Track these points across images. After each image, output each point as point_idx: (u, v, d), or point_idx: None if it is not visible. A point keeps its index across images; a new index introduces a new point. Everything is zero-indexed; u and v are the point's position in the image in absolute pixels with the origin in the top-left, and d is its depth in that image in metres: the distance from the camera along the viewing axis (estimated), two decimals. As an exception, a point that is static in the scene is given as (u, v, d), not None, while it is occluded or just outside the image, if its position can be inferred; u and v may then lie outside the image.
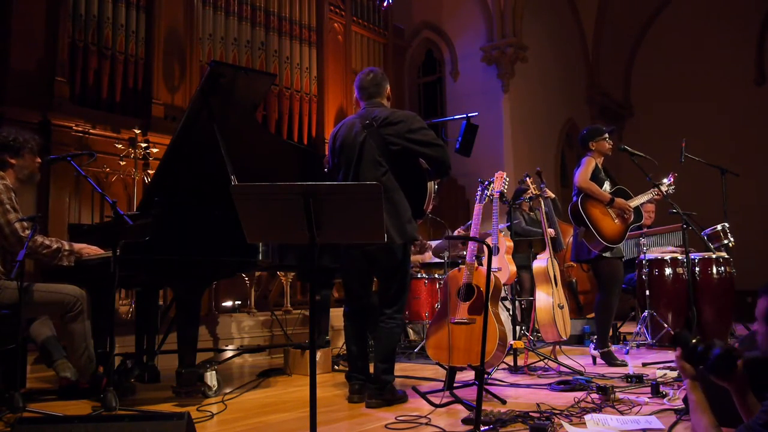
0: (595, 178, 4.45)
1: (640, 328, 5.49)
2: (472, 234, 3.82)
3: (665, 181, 4.63)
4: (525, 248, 5.78)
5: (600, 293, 4.52)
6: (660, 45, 12.45)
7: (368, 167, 3.21)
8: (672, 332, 5.23)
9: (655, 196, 4.61)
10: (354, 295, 3.40)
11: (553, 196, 5.18)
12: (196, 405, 3.16)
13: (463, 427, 2.63)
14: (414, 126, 3.20)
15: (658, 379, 3.44)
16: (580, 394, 3.14)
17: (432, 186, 3.38)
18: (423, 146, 3.18)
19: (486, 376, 3.60)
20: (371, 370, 3.31)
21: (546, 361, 4.29)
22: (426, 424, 2.70)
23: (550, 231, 4.83)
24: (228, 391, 3.62)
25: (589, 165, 4.46)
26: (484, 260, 3.07)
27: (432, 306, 5.23)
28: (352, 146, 3.27)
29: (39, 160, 3.48)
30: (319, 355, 4.28)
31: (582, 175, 4.42)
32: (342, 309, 3.46)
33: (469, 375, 3.85)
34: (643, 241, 5.57)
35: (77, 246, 3.36)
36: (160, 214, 3.30)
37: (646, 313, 5.42)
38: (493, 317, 3.42)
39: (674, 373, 3.63)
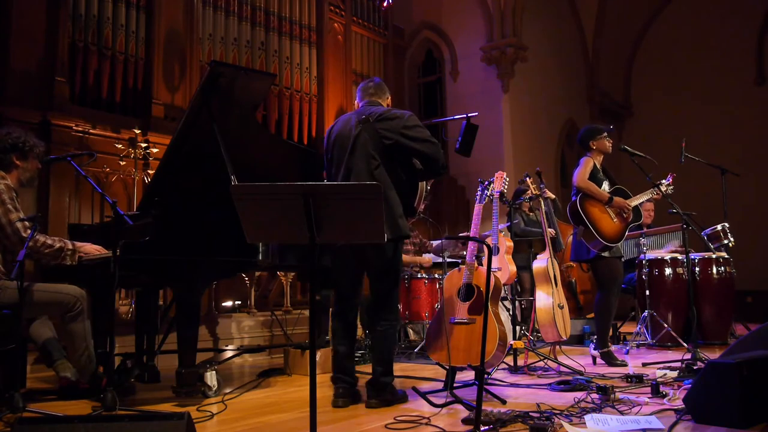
0: (594, 177, 4.45)
1: (640, 328, 5.50)
2: (472, 234, 3.82)
3: (664, 181, 4.63)
4: (525, 248, 5.78)
5: (599, 293, 4.52)
6: (660, 45, 12.44)
7: (361, 160, 3.20)
8: (672, 332, 5.23)
9: (654, 196, 4.61)
10: (343, 295, 3.35)
11: (554, 196, 5.18)
12: (196, 405, 3.16)
13: (463, 427, 2.63)
14: (409, 123, 3.19)
15: (658, 379, 3.44)
16: (580, 394, 3.14)
17: (424, 186, 3.36)
18: (416, 142, 3.16)
19: (486, 376, 3.60)
20: (364, 369, 3.29)
21: (546, 361, 4.29)
22: (426, 424, 2.70)
23: (550, 231, 4.83)
24: (228, 391, 3.62)
25: (587, 165, 4.47)
26: (484, 260, 3.07)
27: (432, 306, 5.24)
28: (347, 139, 3.27)
29: (40, 166, 3.50)
30: (319, 355, 4.28)
31: (580, 174, 4.43)
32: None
33: (469, 375, 3.85)
34: (643, 241, 5.58)
35: (80, 244, 3.36)
36: (160, 214, 3.30)
37: (646, 313, 5.42)
38: (493, 317, 3.42)
39: (674, 373, 3.63)
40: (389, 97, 3.51)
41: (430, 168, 3.25)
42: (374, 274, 3.30)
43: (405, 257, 5.92)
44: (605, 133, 4.57)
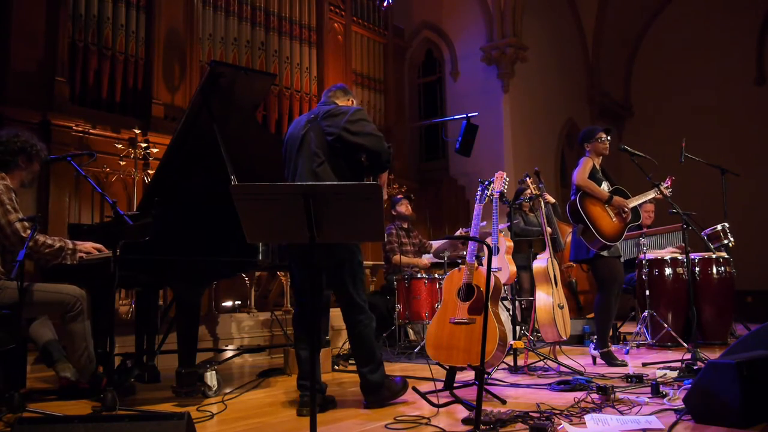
0: (593, 178, 4.45)
1: (640, 328, 5.50)
2: (472, 234, 3.82)
3: (663, 184, 4.63)
4: (525, 248, 5.78)
5: (599, 293, 4.52)
6: (660, 45, 12.45)
7: (305, 159, 3.16)
8: (672, 332, 5.23)
9: (657, 196, 4.61)
10: (300, 298, 3.29)
11: (554, 201, 5.17)
12: (196, 405, 3.16)
13: (463, 427, 2.63)
14: (353, 117, 3.13)
15: (658, 379, 3.44)
16: (580, 394, 3.13)
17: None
18: (357, 136, 3.09)
19: (486, 376, 3.60)
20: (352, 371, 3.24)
21: (546, 361, 4.29)
22: (426, 424, 2.70)
23: (549, 230, 4.83)
24: (228, 391, 3.62)
25: (586, 165, 4.47)
26: (484, 260, 3.07)
27: (432, 306, 5.24)
28: (295, 140, 3.24)
29: (39, 168, 3.52)
30: (319, 355, 4.28)
31: (580, 173, 4.43)
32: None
33: (469, 375, 3.85)
34: (643, 241, 5.58)
35: (80, 243, 3.36)
36: (160, 214, 3.30)
37: (646, 313, 5.42)
38: (493, 317, 3.42)
39: (674, 373, 3.63)
40: (351, 100, 3.43)
41: (374, 161, 3.18)
42: (330, 275, 3.22)
43: (404, 259, 5.93)
44: (600, 135, 4.55)
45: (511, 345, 4.03)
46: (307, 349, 3.18)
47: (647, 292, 5.44)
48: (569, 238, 4.96)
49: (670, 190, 4.62)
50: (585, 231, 4.35)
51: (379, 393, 3.13)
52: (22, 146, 3.34)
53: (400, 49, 9.74)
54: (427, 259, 6.11)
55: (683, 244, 4.55)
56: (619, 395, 3.10)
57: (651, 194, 4.59)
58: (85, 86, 5.78)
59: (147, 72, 6.20)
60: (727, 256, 5.70)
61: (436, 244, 6.14)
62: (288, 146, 3.32)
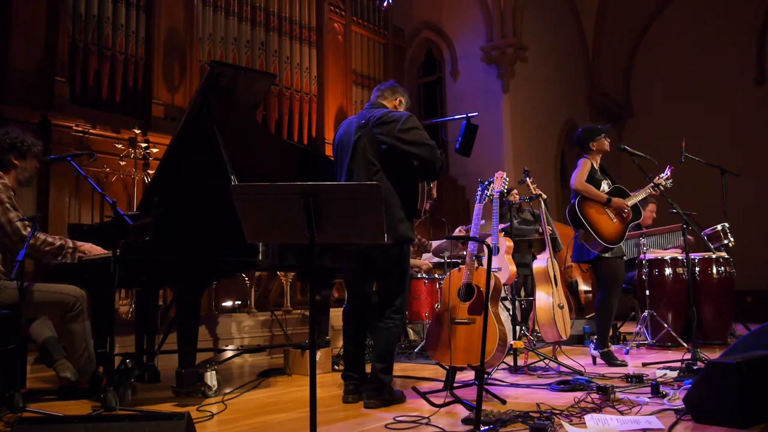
0: (592, 179, 4.44)
1: (640, 328, 5.50)
2: (472, 234, 3.82)
3: (662, 175, 4.60)
4: (525, 248, 5.78)
5: (600, 293, 4.52)
6: (660, 45, 12.45)
7: (360, 166, 3.22)
8: (672, 332, 5.23)
9: (653, 192, 4.59)
10: (353, 294, 3.40)
11: (545, 197, 5.16)
12: (196, 405, 3.16)
13: (463, 427, 2.63)
14: (405, 126, 3.16)
15: (658, 379, 3.44)
16: (580, 394, 3.14)
17: (424, 186, 3.36)
18: (411, 146, 3.14)
19: (486, 376, 3.60)
20: (368, 370, 3.31)
21: (546, 361, 4.29)
22: (426, 424, 2.70)
23: (548, 229, 4.83)
24: (228, 391, 3.62)
25: (584, 167, 4.46)
26: (484, 260, 3.07)
27: (432, 306, 5.23)
28: (347, 145, 3.30)
29: (38, 165, 3.50)
30: (319, 355, 4.28)
31: (578, 177, 4.42)
32: (342, 309, 3.46)
33: (469, 375, 3.85)
34: (643, 241, 5.57)
35: (81, 244, 3.36)
36: (160, 214, 3.30)
37: (646, 313, 5.42)
38: (493, 317, 3.42)
39: (674, 373, 3.63)
40: (399, 99, 3.47)
41: (427, 171, 3.25)
42: (380, 275, 3.32)
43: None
44: (603, 133, 4.56)
45: (511, 345, 4.03)
46: (354, 344, 3.35)
47: (647, 292, 5.44)
48: (571, 240, 4.94)
49: (671, 180, 4.60)
50: (586, 235, 4.35)
51: (382, 393, 3.15)
52: (11, 143, 3.33)
53: (400, 49, 9.74)
54: (427, 259, 6.11)
55: (686, 242, 4.54)
56: (619, 395, 3.10)
57: (649, 190, 4.57)
58: (85, 86, 5.78)
59: (147, 72, 6.20)
60: (727, 256, 5.70)
61: (435, 243, 6.14)
62: (338, 150, 3.40)
